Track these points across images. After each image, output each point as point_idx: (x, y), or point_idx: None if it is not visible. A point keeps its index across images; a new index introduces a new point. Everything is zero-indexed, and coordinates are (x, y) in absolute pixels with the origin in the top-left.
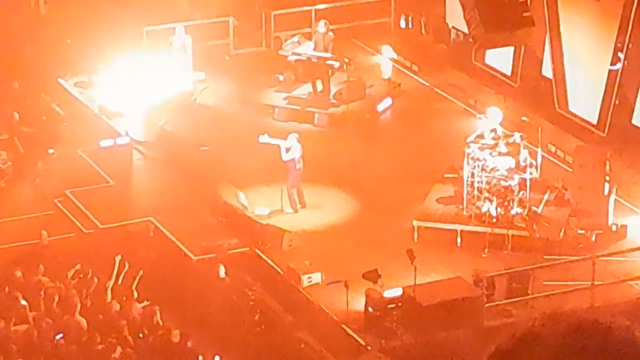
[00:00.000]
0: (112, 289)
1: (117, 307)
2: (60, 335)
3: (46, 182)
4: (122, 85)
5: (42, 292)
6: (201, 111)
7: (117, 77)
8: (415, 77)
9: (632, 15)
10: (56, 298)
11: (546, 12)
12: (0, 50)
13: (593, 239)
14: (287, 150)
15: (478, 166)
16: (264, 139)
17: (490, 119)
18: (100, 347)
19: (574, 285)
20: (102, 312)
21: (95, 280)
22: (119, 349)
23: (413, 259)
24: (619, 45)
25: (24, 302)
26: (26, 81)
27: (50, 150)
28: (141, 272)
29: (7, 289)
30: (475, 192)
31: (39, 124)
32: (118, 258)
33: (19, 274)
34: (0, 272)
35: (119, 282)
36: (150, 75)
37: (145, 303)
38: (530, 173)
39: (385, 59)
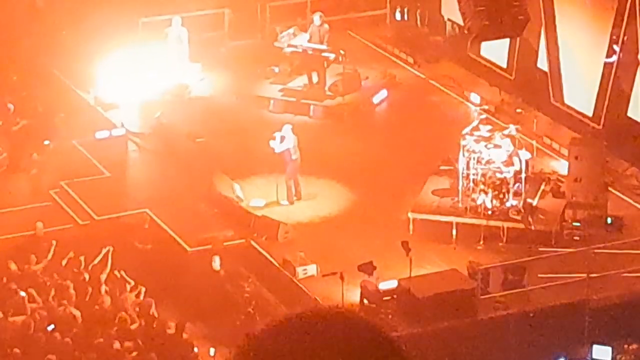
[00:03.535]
0: (106, 281)
1: (109, 300)
2: (52, 326)
3: (42, 174)
4: (118, 76)
5: (37, 284)
6: (197, 103)
7: (112, 68)
8: (411, 69)
9: (627, 8)
10: (52, 290)
11: (542, 4)
12: None
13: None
14: (282, 139)
15: (473, 158)
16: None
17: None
18: (96, 340)
19: (570, 278)
20: (97, 304)
21: (89, 271)
22: (115, 341)
23: (408, 250)
24: (614, 37)
25: (23, 294)
26: (22, 73)
27: (46, 142)
28: (135, 265)
29: (5, 279)
30: (471, 184)
31: (35, 115)
32: (105, 250)
33: (13, 266)
34: None
35: (114, 273)
36: (146, 67)
37: (141, 288)
38: (525, 165)
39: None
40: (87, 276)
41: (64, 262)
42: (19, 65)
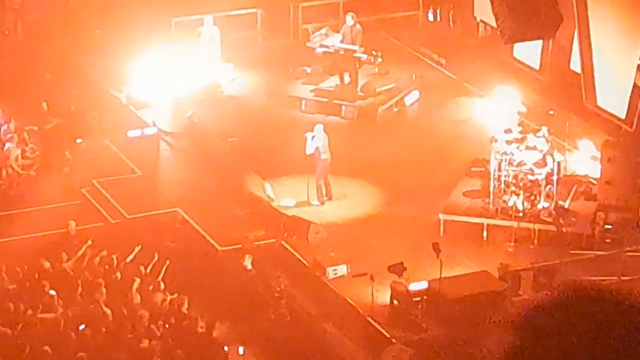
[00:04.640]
0: (138, 279)
1: (140, 298)
2: (83, 326)
3: (74, 172)
4: (151, 76)
5: (68, 282)
6: (229, 103)
7: (145, 68)
8: (443, 70)
9: None
10: (83, 288)
11: (575, 5)
12: (31, 41)
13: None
14: (313, 138)
15: (505, 160)
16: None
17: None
18: (126, 337)
19: (601, 280)
20: (128, 302)
21: (120, 269)
22: (145, 340)
23: (439, 252)
24: None
25: (52, 292)
26: (56, 72)
27: (78, 140)
28: (167, 262)
29: (36, 276)
30: (502, 185)
31: (68, 114)
32: (137, 248)
33: (47, 264)
34: (28, 261)
35: (146, 272)
36: (178, 66)
37: (175, 296)
38: (557, 167)
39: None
40: (118, 274)
41: (95, 260)
42: (52, 65)
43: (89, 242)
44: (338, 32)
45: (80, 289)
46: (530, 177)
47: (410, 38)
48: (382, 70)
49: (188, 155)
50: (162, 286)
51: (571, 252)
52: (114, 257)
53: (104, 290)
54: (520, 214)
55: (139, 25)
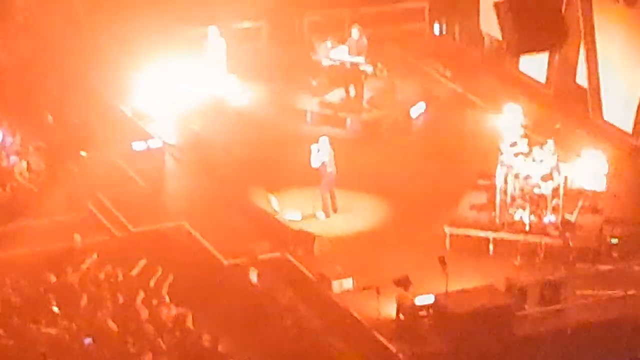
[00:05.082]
0: (143, 293)
1: (145, 312)
2: (89, 339)
3: (79, 185)
4: (156, 88)
5: (73, 295)
6: (234, 115)
7: (150, 80)
8: (449, 83)
9: None
10: (88, 301)
11: (581, 19)
12: (36, 55)
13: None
14: (318, 151)
15: (511, 173)
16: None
17: (509, 116)
18: (131, 351)
19: (608, 295)
20: (133, 316)
21: (125, 283)
22: (149, 354)
23: (445, 265)
24: None
25: (55, 309)
26: (61, 85)
27: (83, 153)
28: (171, 277)
29: (41, 290)
30: (509, 199)
31: (72, 126)
32: (141, 261)
33: (52, 277)
34: (33, 275)
35: (151, 285)
36: (183, 79)
37: (180, 310)
38: (564, 181)
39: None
40: (123, 288)
41: (100, 274)
42: (57, 77)
43: (94, 256)
44: (344, 44)
45: (85, 303)
46: (536, 190)
47: (416, 51)
48: (387, 83)
49: (193, 168)
50: (167, 300)
51: (577, 266)
52: (119, 270)
53: (109, 304)
54: (527, 228)
55: (144, 37)
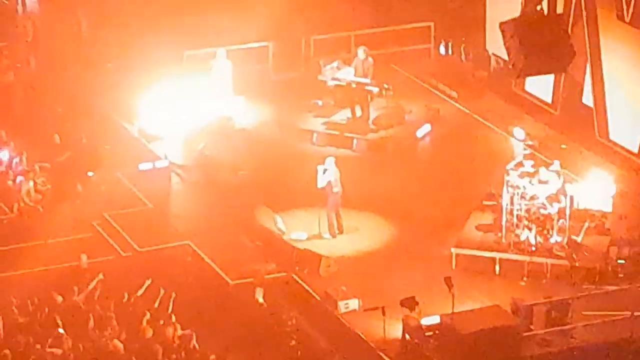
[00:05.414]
0: (149, 312)
1: (151, 332)
2: None
3: (85, 205)
4: (162, 109)
5: (80, 315)
6: (240, 135)
7: (157, 100)
8: (455, 103)
9: None
10: (94, 322)
11: (587, 39)
12: (43, 74)
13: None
14: (324, 172)
15: (517, 194)
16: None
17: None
18: None
19: (614, 316)
20: (139, 336)
21: (131, 303)
22: None
23: (451, 286)
24: None
25: (61, 331)
26: (68, 105)
27: (90, 173)
28: (174, 295)
29: (46, 310)
30: (515, 219)
31: (79, 146)
32: (147, 281)
33: (59, 298)
34: (39, 295)
35: (156, 305)
36: (189, 99)
37: (186, 329)
38: (570, 201)
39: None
40: (129, 308)
41: (107, 294)
42: (64, 97)
43: (100, 276)
44: (350, 65)
45: (91, 323)
46: (542, 211)
47: (422, 71)
48: (393, 103)
49: (199, 188)
50: (173, 319)
51: (584, 286)
52: (125, 290)
53: (115, 323)
54: (533, 249)
55: (150, 58)
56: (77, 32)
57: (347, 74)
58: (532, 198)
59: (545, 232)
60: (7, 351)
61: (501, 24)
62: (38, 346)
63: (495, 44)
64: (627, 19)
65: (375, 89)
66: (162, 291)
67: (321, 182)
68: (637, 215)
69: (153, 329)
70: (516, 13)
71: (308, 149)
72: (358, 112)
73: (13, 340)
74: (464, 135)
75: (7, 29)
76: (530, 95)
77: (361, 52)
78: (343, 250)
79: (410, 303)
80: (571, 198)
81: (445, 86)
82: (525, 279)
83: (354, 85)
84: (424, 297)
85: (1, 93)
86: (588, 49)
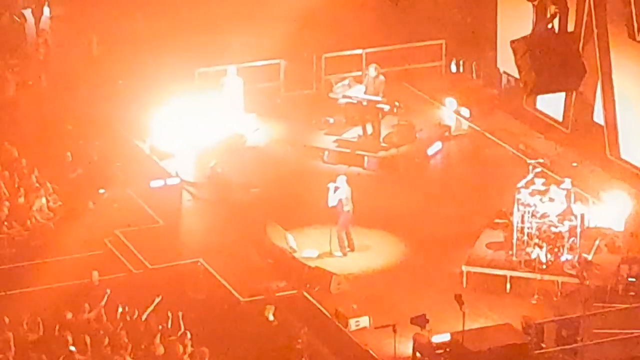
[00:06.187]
0: (160, 330)
1: (162, 350)
2: None
3: (97, 222)
4: (174, 126)
5: (91, 333)
6: (251, 153)
7: (168, 118)
8: (466, 121)
9: None
10: (106, 339)
11: (598, 58)
12: (55, 92)
13: None
14: (336, 189)
15: (528, 212)
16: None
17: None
18: None
19: (625, 334)
20: (150, 354)
21: (142, 320)
22: None
23: (462, 304)
24: None
25: (72, 348)
26: (79, 122)
27: (101, 190)
28: (188, 314)
29: (57, 327)
30: (525, 237)
31: (91, 163)
32: (158, 299)
33: (69, 315)
34: (50, 311)
35: (167, 322)
36: (201, 116)
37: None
38: (581, 219)
39: (448, 111)
40: (140, 325)
41: (118, 311)
42: (76, 115)
43: (108, 292)
44: (361, 83)
45: (102, 340)
46: (553, 229)
47: (433, 89)
48: (404, 121)
49: (210, 206)
50: (185, 337)
51: (595, 305)
52: (136, 307)
53: (125, 341)
54: (544, 267)
55: (162, 75)
56: (88, 49)
57: (358, 92)
58: (543, 216)
59: (556, 250)
60: None
61: (512, 42)
62: None
63: (507, 62)
64: (638, 38)
65: (387, 107)
66: (176, 308)
67: (332, 201)
68: None
69: (164, 346)
70: (527, 31)
71: (319, 167)
72: (369, 130)
73: (24, 358)
74: (475, 153)
75: (19, 46)
76: (542, 113)
77: (372, 70)
78: (354, 268)
79: (421, 321)
80: (582, 216)
81: (457, 104)
82: (536, 297)
83: (365, 103)
84: (434, 314)
85: (12, 110)
86: (599, 67)
